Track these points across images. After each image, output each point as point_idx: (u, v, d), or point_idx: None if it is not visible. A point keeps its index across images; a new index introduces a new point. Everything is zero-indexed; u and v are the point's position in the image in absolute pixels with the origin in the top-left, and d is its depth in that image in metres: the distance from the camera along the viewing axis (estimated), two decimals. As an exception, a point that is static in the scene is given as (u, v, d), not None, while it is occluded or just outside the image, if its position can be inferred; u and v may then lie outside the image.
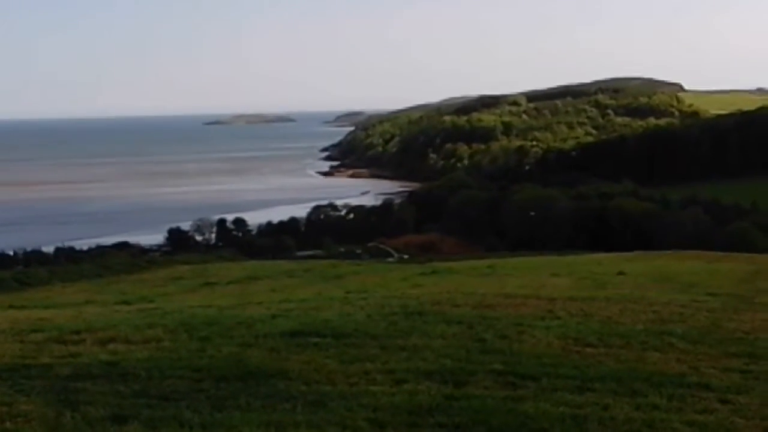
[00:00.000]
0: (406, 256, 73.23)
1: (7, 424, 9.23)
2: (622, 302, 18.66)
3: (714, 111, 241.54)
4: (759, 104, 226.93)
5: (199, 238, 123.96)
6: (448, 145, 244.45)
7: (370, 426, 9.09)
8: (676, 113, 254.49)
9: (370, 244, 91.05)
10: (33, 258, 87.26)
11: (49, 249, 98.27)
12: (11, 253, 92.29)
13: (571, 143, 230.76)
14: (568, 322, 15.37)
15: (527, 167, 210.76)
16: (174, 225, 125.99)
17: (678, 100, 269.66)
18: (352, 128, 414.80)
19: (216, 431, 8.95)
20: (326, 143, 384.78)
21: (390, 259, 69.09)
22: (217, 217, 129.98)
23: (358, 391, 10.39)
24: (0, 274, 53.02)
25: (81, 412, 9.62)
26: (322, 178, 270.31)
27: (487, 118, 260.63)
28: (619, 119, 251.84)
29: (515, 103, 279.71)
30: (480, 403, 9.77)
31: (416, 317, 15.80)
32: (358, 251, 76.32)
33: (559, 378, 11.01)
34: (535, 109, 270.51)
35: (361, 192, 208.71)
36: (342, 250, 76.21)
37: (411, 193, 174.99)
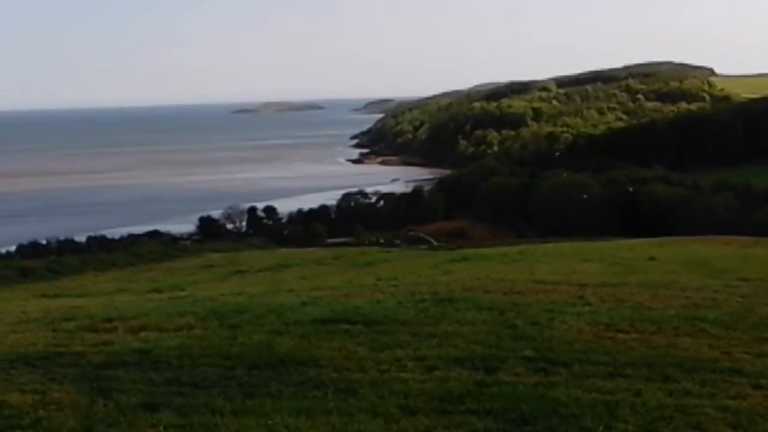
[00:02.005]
0: (442, 244, 72.98)
1: (41, 412, 9.31)
2: (654, 288, 18.56)
3: (746, 95, 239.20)
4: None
5: (229, 226, 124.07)
6: (478, 132, 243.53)
7: (401, 413, 9.10)
8: (707, 97, 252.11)
9: (409, 233, 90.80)
10: (65, 247, 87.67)
11: (81, 238, 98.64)
12: (44, 242, 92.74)
13: (601, 129, 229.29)
14: (599, 308, 15.32)
15: (557, 153, 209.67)
16: (204, 213, 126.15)
17: (709, 84, 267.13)
18: (382, 115, 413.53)
19: (247, 418, 8.99)
20: (355, 131, 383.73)
21: (423, 247, 68.93)
22: (247, 205, 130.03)
23: (389, 378, 10.41)
24: (33, 263, 53.45)
25: (113, 399, 9.69)
26: (351, 165, 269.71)
27: (517, 104, 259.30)
28: (649, 104, 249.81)
29: (545, 89, 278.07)
30: (511, 390, 9.75)
31: (447, 304, 15.81)
32: (397, 241, 76.02)
33: (591, 364, 10.98)
34: (565, 94, 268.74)
35: (391, 179, 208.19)
36: (381, 240, 75.85)
37: (441, 180, 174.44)
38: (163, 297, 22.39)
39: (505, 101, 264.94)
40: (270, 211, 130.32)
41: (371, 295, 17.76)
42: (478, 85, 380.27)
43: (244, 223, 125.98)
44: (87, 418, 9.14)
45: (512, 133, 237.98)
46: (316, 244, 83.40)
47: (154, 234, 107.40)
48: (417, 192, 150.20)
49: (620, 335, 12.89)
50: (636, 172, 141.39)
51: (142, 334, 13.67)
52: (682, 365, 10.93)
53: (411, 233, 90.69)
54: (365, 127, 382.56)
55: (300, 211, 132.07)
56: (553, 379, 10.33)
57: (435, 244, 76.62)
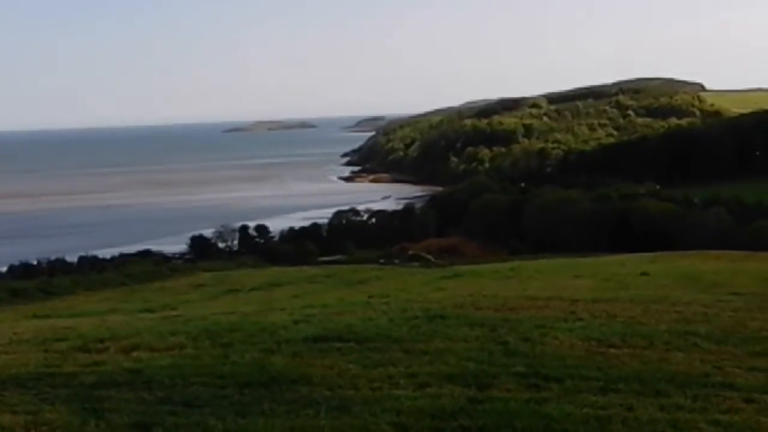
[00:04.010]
0: (440, 262, 72.87)
1: (33, 433, 9.29)
2: (645, 303, 18.61)
3: (736, 110, 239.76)
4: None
5: (221, 245, 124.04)
6: (469, 149, 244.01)
7: (394, 430, 9.10)
8: (698, 113, 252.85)
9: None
10: (57, 267, 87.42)
11: (72, 258, 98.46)
12: (35, 262, 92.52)
13: (592, 145, 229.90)
14: (591, 324, 15.35)
15: (548, 169, 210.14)
16: (196, 232, 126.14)
17: (699, 99, 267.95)
18: (373, 133, 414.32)
19: (240, 437, 8.98)
20: (347, 149, 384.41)
21: (415, 264, 68.79)
22: (239, 224, 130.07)
23: (382, 396, 10.41)
24: (23, 283, 53.27)
25: (105, 420, 9.68)
26: (343, 183, 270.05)
27: (508, 121, 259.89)
28: (640, 120, 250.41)
29: (536, 105, 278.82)
30: (503, 406, 9.76)
31: (438, 321, 15.83)
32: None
33: (583, 379, 11.00)
34: (556, 111, 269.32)
35: (382, 197, 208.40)
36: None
37: (432, 197, 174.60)
38: (155, 317, 22.34)
39: (496, 118, 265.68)
40: (262, 229, 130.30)
41: (363, 312, 17.76)
42: (468, 102, 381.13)
43: (236, 242, 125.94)
44: (79, 438, 9.13)
45: (503, 149, 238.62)
46: (308, 263, 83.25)
47: (146, 254, 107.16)
48: (408, 209, 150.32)
49: (612, 350, 12.91)
50: (627, 188, 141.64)
51: (134, 353, 13.66)
52: (673, 380, 10.95)
53: (410, 252, 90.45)
54: (356, 145, 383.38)
55: (292, 230, 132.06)
56: (545, 394, 10.35)
57: (433, 260, 76.47)
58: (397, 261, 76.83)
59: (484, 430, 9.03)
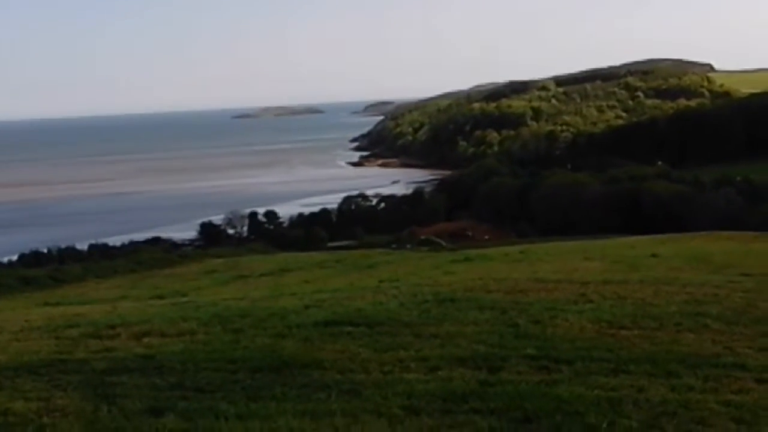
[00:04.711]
0: (452, 246, 72.83)
1: (45, 419, 9.33)
2: (656, 284, 18.55)
3: (745, 90, 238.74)
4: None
5: (231, 231, 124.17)
6: (478, 132, 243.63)
7: (405, 413, 9.11)
8: (707, 93, 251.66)
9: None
10: (67, 255, 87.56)
11: (82, 246, 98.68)
12: (45, 250, 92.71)
13: (601, 127, 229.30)
14: (601, 306, 15.32)
15: (557, 152, 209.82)
16: (206, 219, 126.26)
17: (708, 80, 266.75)
18: (381, 118, 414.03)
19: (251, 422, 9.00)
20: (355, 133, 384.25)
21: (424, 249, 68.74)
22: (248, 210, 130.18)
23: (392, 379, 10.42)
24: (34, 271, 53.54)
25: (117, 405, 9.71)
26: (352, 168, 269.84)
27: (517, 104, 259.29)
28: (649, 101, 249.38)
29: (544, 88, 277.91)
30: (514, 388, 9.76)
31: (449, 304, 15.81)
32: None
33: (594, 361, 11.00)
34: (565, 93, 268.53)
35: (391, 181, 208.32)
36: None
37: (441, 181, 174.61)
38: (166, 303, 22.39)
39: (504, 101, 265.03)
40: (271, 215, 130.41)
41: (373, 296, 17.74)
42: (477, 86, 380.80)
43: (245, 228, 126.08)
44: (92, 424, 9.15)
45: (512, 133, 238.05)
46: (318, 248, 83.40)
47: (156, 241, 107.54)
48: (418, 193, 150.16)
49: (622, 332, 12.89)
50: (637, 170, 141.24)
51: (146, 339, 13.68)
52: (684, 361, 10.94)
53: (422, 237, 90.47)
54: (365, 130, 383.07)
55: (301, 215, 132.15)
56: (555, 376, 10.35)
57: (444, 245, 76.45)
58: (409, 246, 76.83)
59: (495, 413, 9.03)
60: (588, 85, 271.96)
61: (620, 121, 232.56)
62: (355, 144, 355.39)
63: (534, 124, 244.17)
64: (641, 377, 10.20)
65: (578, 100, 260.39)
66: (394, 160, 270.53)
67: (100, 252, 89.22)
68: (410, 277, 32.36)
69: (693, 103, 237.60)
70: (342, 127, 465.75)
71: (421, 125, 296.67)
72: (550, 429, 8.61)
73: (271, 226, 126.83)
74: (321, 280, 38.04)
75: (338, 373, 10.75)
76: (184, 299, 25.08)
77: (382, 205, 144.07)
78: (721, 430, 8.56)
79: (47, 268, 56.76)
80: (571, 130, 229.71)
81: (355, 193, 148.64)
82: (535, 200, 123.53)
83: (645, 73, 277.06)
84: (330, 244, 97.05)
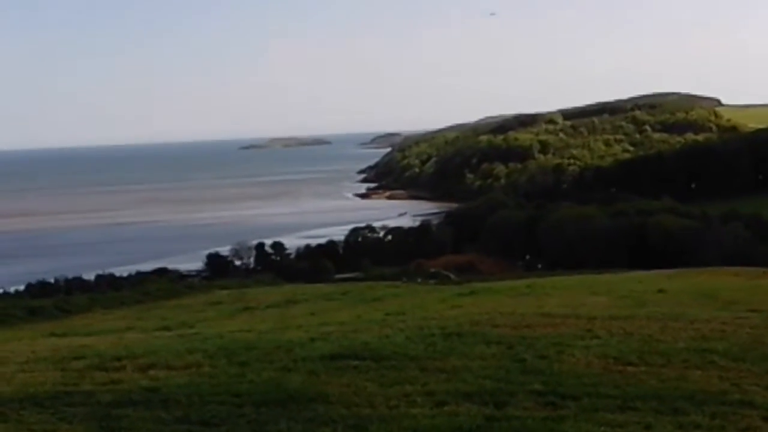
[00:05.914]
0: (461, 279, 72.67)
1: (50, 452, 9.32)
2: (663, 320, 18.51)
3: (752, 125, 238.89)
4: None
5: (237, 262, 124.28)
6: (485, 165, 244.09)
7: (411, 448, 9.09)
8: (714, 128, 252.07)
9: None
10: (74, 285, 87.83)
11: (89, 276, 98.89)
12: (52, 280, 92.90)
13: (608, 160, 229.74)
14: (608, 341, 15.29)
15: (564, 185, 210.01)
16: (212, 250, 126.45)
17: (716, 114, 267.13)
18: (389, 149, 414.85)
19: (257, 456, 8.98)
20: (363, 165, 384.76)
21: (431, 281, 68.55)
22: (255, 241, 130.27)
23: (399, 414, 10.40)
24: (41, 302, 53.42)
25: (122, 438, 9.69)
26: (359, 200, 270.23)
27: (524, 137, 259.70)
28: (656, 135, 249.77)
29: (552, 121, 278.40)
30: (520, 424, 9.74)
31: (455, 338, 15.80)
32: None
33: (600, 397, 10.97)
34: (572, 126, 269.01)
35: (398, 213, 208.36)
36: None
37: (448, 214, 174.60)
38: (172, 334, 22.38)
39: (511, 134, 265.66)
40: (278, 247, 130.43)
41: (380, 330, 17.73)
42: (484, 118, 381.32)
43: (252, 260, 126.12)
44: (96, 457, 9.14)
45: (519, 165, 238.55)
46: (325, 280, 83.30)
47: (162, 271, 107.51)
48: (425, 226, 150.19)
49: (629, 368, 12.86)
50: (644, 204, 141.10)
51: (151, 372, 13.68)
52: (692, 398, 10.91)
53: (432, 270, 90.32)
54: (372, 162, 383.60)
55: (308, 247, 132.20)
56: (562, 413, 10.32)
57: (453, 278, 76.32)
58: (420, 280, 76.61)
59: (501, 449, 9.01)
60: (595, 119, 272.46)
61: (627, 155, 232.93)
62: (363, 176, 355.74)
63: (541, 157, 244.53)
64: (648, 414, 10.18)
65: (586, 134, 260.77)
66: (402, 192, 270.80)
67: (107, 282, 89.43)
68: (417, 310, 32.25)
69: (700, 137, 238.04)
70: (349, 159, 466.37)
71: (429, 157, 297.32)
72: (557, 466, 8.59)
73: (278, 258, 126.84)
74: (327, 312, 37.92)
75: (344, 408, 10.74)
76: (191, 331, 25.06)
77: (389, 237, 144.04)
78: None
79: (54, 299, 56.70)
80: (579, 163, 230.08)
81: (362, 225, 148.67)
82: (542, 233, 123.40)
83: (652, 106, 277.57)
84: (337, 276, 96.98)
